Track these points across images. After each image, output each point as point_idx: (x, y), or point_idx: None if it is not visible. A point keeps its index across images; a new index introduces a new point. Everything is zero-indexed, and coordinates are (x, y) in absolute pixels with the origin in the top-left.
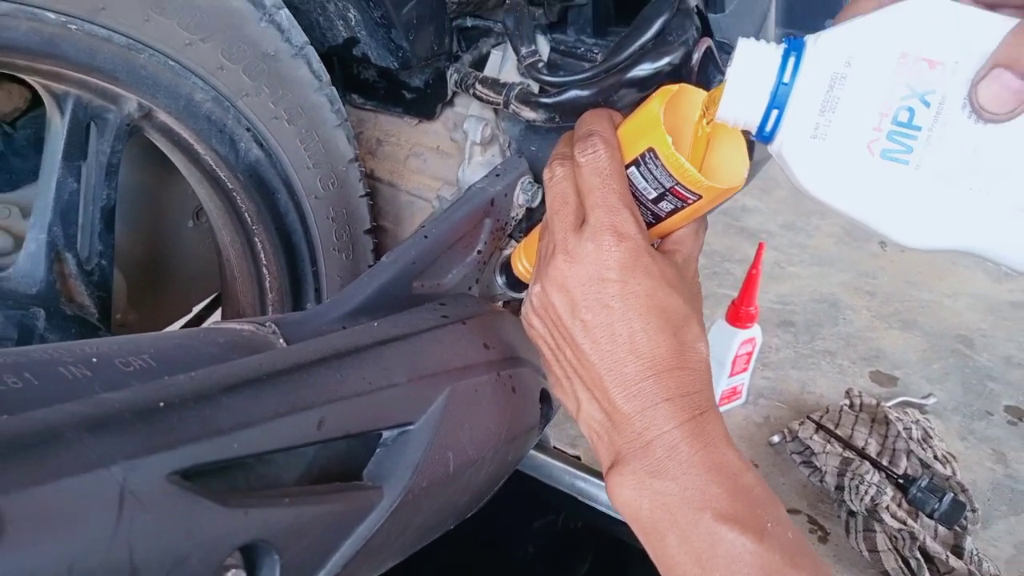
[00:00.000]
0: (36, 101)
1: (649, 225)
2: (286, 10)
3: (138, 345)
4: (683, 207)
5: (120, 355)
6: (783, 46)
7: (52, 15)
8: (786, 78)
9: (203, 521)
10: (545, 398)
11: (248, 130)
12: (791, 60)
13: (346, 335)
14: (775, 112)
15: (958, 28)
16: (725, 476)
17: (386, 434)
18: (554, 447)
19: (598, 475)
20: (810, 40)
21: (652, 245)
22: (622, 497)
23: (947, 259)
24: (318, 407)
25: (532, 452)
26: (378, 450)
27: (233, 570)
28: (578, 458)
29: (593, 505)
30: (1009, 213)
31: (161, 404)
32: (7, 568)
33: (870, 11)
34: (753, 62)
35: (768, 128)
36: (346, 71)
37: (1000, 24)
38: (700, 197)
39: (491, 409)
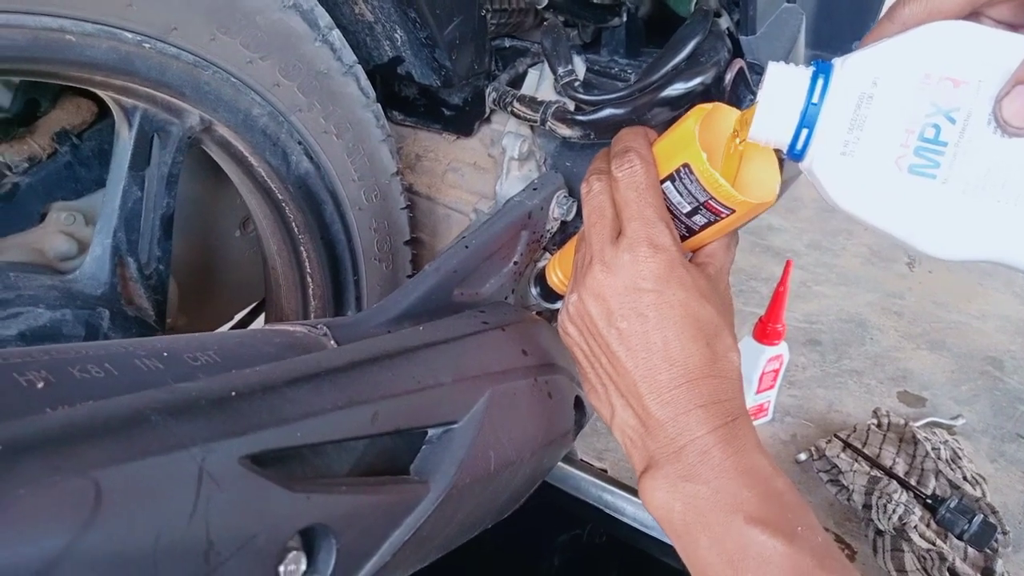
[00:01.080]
0: (100, 115)
1: (683, 238)
2: (338, 31)
3: (203, 342)
4: (716, 221)
5: (188, 351)
6: (811, 68)
7: (129, 35)
8: (815, 99)
9: (270, 503)
10: (578, 405)
11: (300, 144)
12: (819, 82)
13: (395, 337)
14: (805, 131)
15: (980, 49)
16: (756, 480)
17: (431, 432)
18: (581, 460)
19: (625, 488)
20: (837, 62)
21: (686, 257)
22: (655, 500)
23: (975, 280)
24: (372, 402)
25: (559, 464)
26: (424, 446)
27: (294, 552)
28: (605, 471)
29: (619, 518)
30: None
31: (233, 393)
32: (105, 534)
33: (894, 34)
34: (783, 84)
35: (799, 146)
36: (387, 88)
37: (1021, 44)
38: (733, 211)
39: (529, 412)
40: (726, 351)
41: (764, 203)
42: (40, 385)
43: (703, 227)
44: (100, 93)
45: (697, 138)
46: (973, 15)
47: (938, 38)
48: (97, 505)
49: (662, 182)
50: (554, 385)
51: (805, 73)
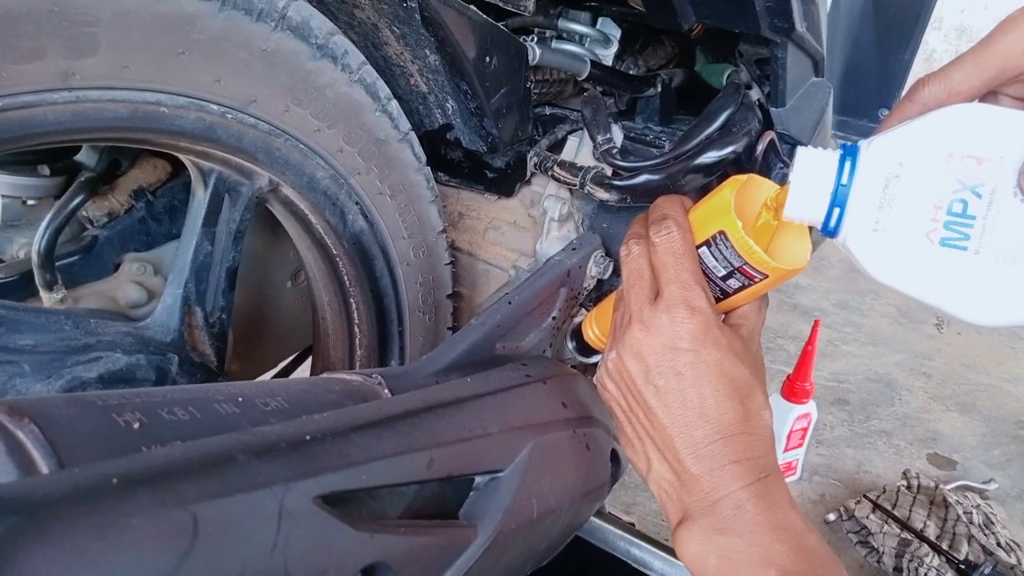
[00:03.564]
0: (173, 174)
1: (717, 300)
2: (396, 101)
3: (272, 389)
4: (749, 285)
5: (259, 396)
6: (839, 152)
7: (215, 107)
8: (844, 180)
9: (339, 540)
10: (614, 458)
11: (357, 204)
12: (847, 164)
13: (446, 387)
14: (837, 210)
15: (999, 127)
16: (789, 536)
17: (479, 479)
18: (609, 513)
19: (653, 542)
20: (863, 145)
21: (720, 319)
22: (690, 552)
23: (1005, 343)
24: (429, 449)
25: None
26: (472, 493)
27: None
28: (632, 524)
29: (647, 573)
30: None
31: (308, 437)
32: (201, 563)
33: (915, 115)
34: (813, 168)
35: (832, 224)
36: (434, 151)
37: None
38: (766, 277)
39: (569, 463)
40: (759, 409)
41: (796, 269)
42: (136, 426)
43: (737, 290)
44: (181, 157)
45: (732, 207)
46: (991, 94)
47: (959, 120)
48: (195, 536)
49: (698, 247)
50: (592, 438)
51: (833, 156)
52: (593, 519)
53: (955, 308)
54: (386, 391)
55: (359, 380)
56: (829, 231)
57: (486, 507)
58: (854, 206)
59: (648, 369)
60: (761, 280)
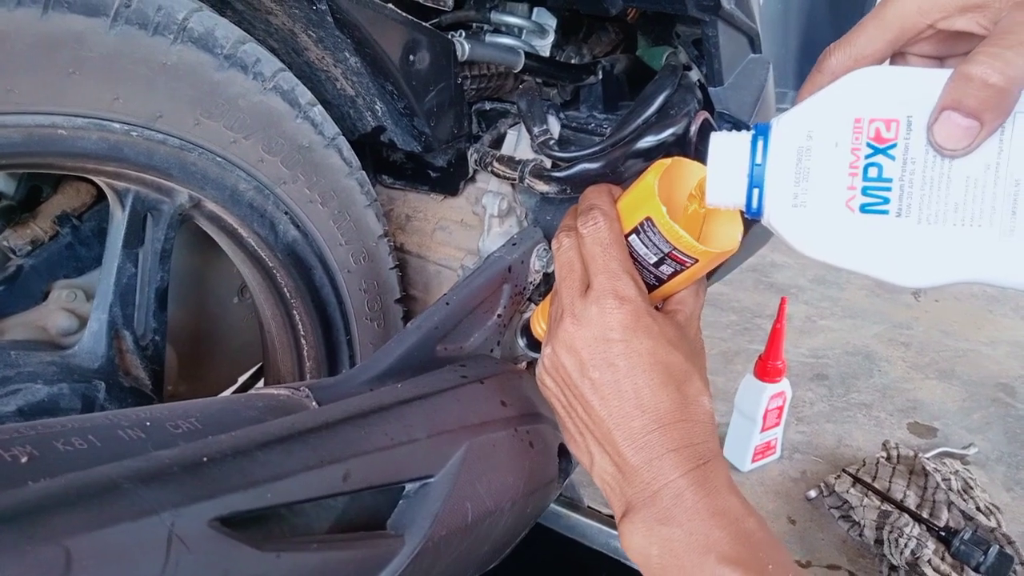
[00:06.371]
0: (99, 196)
1: (652, 287)
2: (319, 106)
3: (187, 410)
4: (682, 270)
5: (170, 419)
6: (751, 132)
7: (117, 125)
8: (758, 160)
9: (239, 563)
10: (564, 453)
11: (286, 214)
12: (760, 143)
13: (370, 396)
14: (756, 191)
15: (902, 87)
16: (728, 521)
17: (408, 486)
18: (588, 506)
19: None
20: (774, 122)
21: (656, 307)
22: (633, 544)
23: (983, 307)
24: (343, 461)
25: (566, 512)
26: (401, 501)
27: None
28: (612, 516)
29: (629, 564)
30: (996, 238)
31: (204, 459)
32: None
33: (825, 84)
34: (727, 152)
35: (754, 206)
36: (376, 155)
37: (939, 76)
38: (697, 261)
39: (508, 463)
40: (696, 395)
41: (726, 251)
42: (24, 460)
43: (671, 276)
44: (94, 178)
45: (656, 192)
46: (899, 55)
47: (861, 84)
48: (67, 572)
49: (628, 235)
50: (536, 434)
51: (745, 137)
52: (571, 513)
53: (885, 274)
54: (313, 403)
55: (285, 394)
56: (753, 212)
57: (414, 515)
58: (771, 184)
59: (582, 362)
60: (693, 264)
